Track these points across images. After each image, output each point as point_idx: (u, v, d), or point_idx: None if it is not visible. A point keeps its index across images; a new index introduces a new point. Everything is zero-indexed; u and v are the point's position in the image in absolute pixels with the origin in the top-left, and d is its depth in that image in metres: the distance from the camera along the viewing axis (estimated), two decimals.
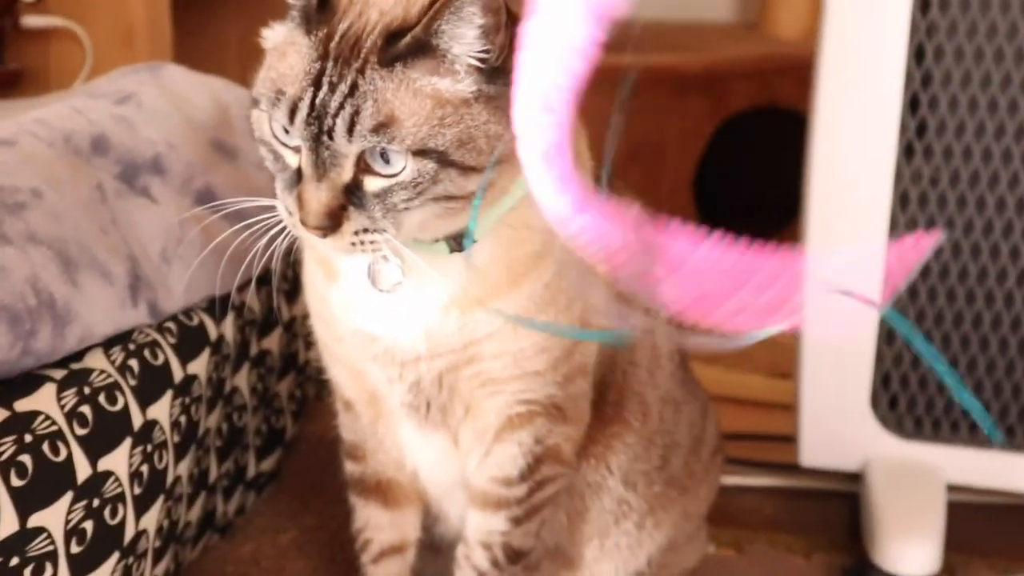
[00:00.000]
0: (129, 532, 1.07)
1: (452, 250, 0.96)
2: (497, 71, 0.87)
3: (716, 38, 2.46)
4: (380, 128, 0.84)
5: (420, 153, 0.85)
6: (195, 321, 1.21)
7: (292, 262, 1.16)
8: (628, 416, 1.14)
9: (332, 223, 0.86)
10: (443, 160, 0.86)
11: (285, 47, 0.88)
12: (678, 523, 1.22)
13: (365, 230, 0.87)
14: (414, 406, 1.05)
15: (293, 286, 1.43)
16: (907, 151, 1.43)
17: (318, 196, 0.86)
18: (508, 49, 0.88)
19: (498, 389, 1.04)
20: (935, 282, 1.46)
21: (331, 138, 0.84)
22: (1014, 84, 1.38)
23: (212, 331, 1.23)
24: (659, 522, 1.19)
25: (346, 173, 0.86)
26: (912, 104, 1.41)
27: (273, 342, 1.40)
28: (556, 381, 1.04)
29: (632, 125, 2.29)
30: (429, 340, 1.00)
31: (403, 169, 0.86)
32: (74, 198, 1.11)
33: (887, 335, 1.49)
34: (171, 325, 1.18)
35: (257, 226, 0.94)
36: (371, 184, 0.86)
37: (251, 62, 0.92)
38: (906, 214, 1.45)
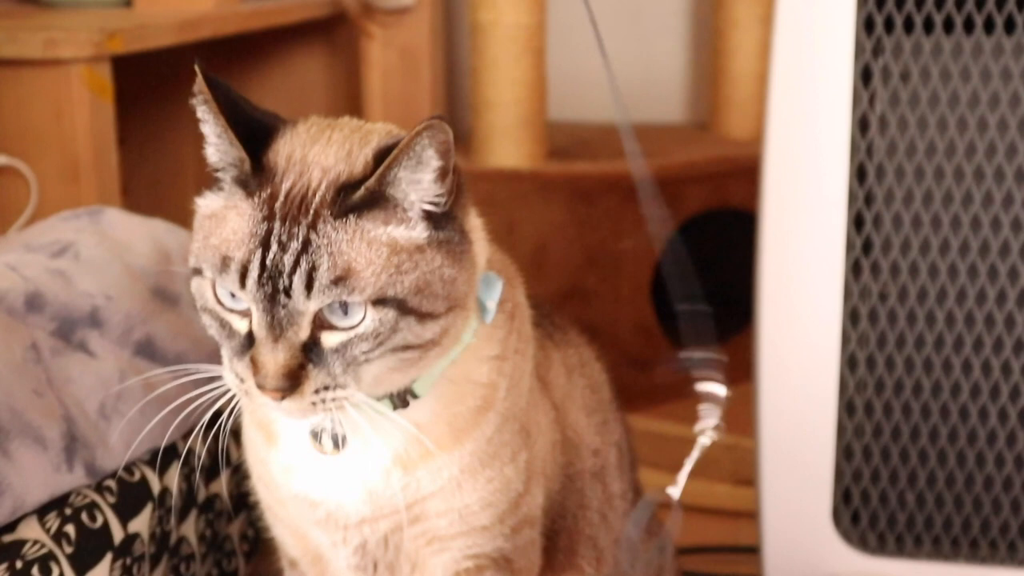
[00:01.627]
0: None
1: (395, 407, 0.94)
2: (445, 216, 0.87)
3: (668, 141, 2.48)
4: (339, 281, 0.83)
5: (379, 302, 0.84)
6: (136, 476, 1.19)
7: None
8: (581, 562, 1.12)
9: (291, 384, 0.84)
10: (402, 308, 0.85)
11: (224, 212, 0.87)
12: None
13: (326, 387, 0.85)
14: (360, 567, 1.03)
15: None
16: (855, 268, 1.44)
17: (275, 357, 0.84)
18: (455, 193, 0.88)
19: (444, 546, 1.02)
20: (890, 397, 1.46)
21: (288, 296, 0.82)
22: (955, 200, 1.39)
23: (155, 485, 1.21)
24: None
25: (303, 331, 0.84)
26: (857, 222, 1.42)
27: (221, 485, 1.37)
28: (503, 534, 1.02)
29: (588, 231, 2.31)
30: (373, 502, 0.98)
31: (362, 320, 0.84)
32: (6, 361, 1.09)
33: (845, 451, 1.48)
34: (111, 483, 1.16)
35: (204, 397, 0.92)
36: (329, 339, 0.85)
37: (210, 180, 0.91)
38: (857, 330, 1.45)
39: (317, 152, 0.87)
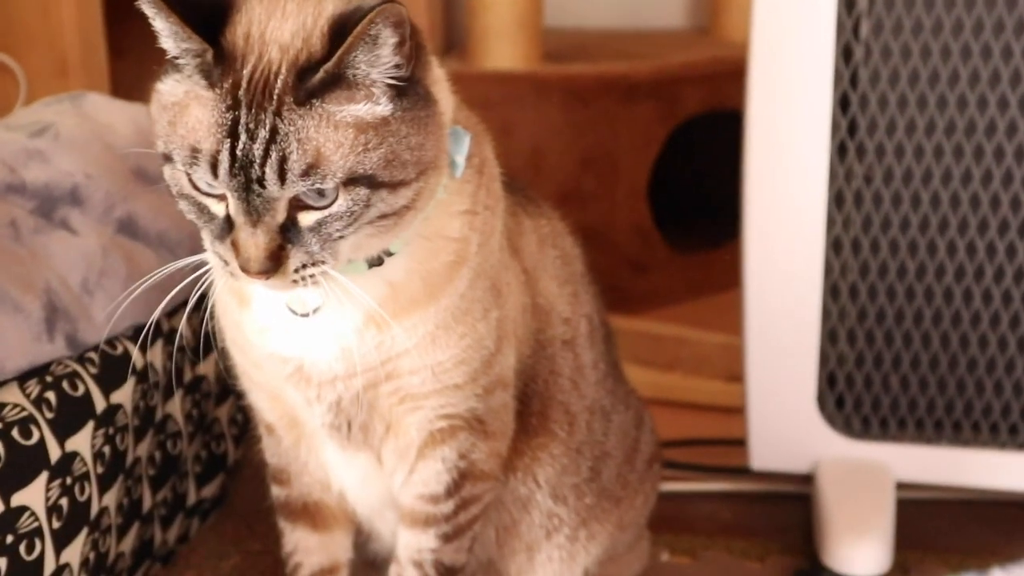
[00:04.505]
0: (49, 567, 1.06)
1: (371, 266, 0.95)
2: (407, 82, 0.87)
3: (667, 45, 2.46)
4: (310, 168, 0.83)
5: (350, 182, 0.84)
6: (119, 350, 1.20)
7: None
8: (553, 427, 1.13)
9: (274, 265, 0.85)
10: (373, 183, 0.85)
11: (187, 101, 0.86)
12: (614, 534, 1.21)
13: (304, 265, 0.87)
14: (335, 426, 1.04)
15: None
16: (840, 150, 1.43)
17: (256, 241, 0.85)
18: (415, 57, 0.87)
19: (417, 404, 1.03)
20: (875, 280, 1.46)
21: (262, 186, 0.83)
22: (942, 80, 1.37)
23: (138, 360, 1.22)
24: (593, 534, 1.18)
25: (280, 215, 0.85)
26: (843, 103, 1.41)
27: (209, 367, 1.39)
28: (476, 394, 1.04)
29: (584, 133, 2.29)
30: (346, 360, 0.99)
31: (336, 199, 0.85)
32: None
33: (830, 335, 1.49)
34: (93, 355, 1.17)
35: (192, 277, 0.93)
36: (306, 219, 0.86)
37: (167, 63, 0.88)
38: (842, 213, 1.44)
39: (274, 27, 0.86)
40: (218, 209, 0.87)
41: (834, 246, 1.46)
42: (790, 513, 1.60)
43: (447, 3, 2.58)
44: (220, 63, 0.85)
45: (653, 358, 2.07)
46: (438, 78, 0.94)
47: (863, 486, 1.48)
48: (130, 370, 1.21)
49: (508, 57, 2.22)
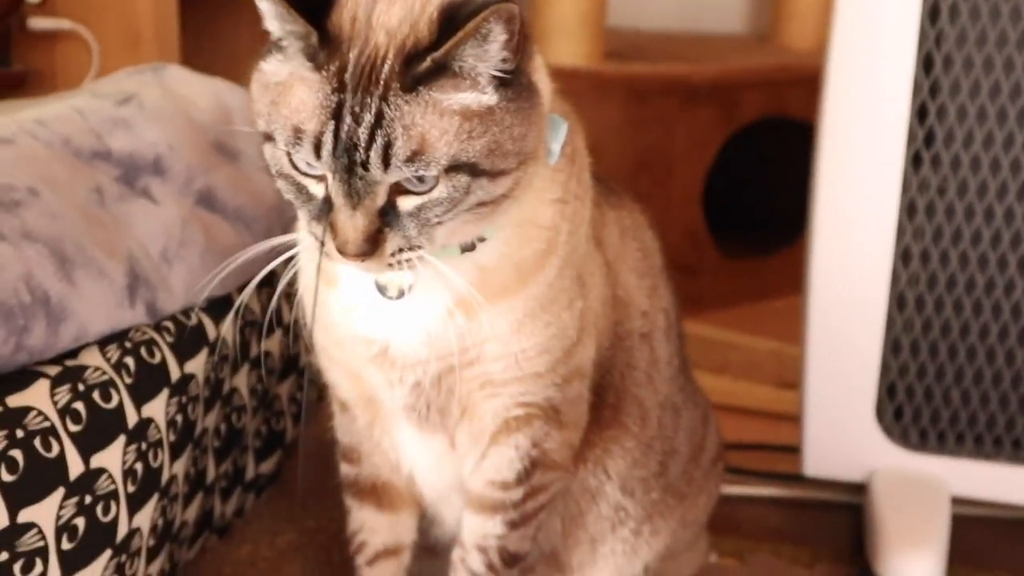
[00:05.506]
0: (122, 530, 1.06)
1: (464, 251, 0.95)
2: (513, 73, 0.87)
3: (727, 49, 2.46)
4: (415, 155, 0.83)
5: (452, 169, 0.85)
6: (194, 321, 1.21)
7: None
8: (626, 420, 1.13)
9: (371, 248, 0.86)
10: (474, 171, 0.85)
11: (291, 81, 0.86)
12: (676, 531, 1.21)
13: (400, 249, 0.87)
14: (414, 408, 1.05)
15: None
16: (915, 161, 1.42)
17: (354, 224, 0.85)
18: (521, 50, 0.87)
19: (496, 391, 1.03)
20: (942, 293, 1.45)
21: (366, 169, 0.83)
22: (1023, 93, 1.37)
23: (211, 331, 1.23)
24: (656, 529, 1.18)
25: (380, 199, 0.85)
26: (920, 114, 1.40)
27: (274, 344, 1.40)
28: (555, 383, 1.04)
29: (642, 134, 2.30)
30: (432, 344, 0.99)
31: (436, 185, 0.85)
32: (71, 199, 1.11)
33: (893, 345, 1.48)
34: (169, 324, 1.18)
35: (283, 259, 0.94)
36: (405, 204, 0.86)
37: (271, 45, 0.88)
38: (913, 223, 1.44)
39: (381, 12, 0.86)
40: (317, 190, 0.87)
41: (903, 256, 1.45)
42: (839, 521, 1.59)
43: None
44: (325, 46, 0.85)
45: (702, 361, 2.06)
46: (539, 66, 0.94)
47: (918, 498, 1.48)
48: (204, 341, 1.21)
49: (570, 54, 2.22)
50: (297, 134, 0.84)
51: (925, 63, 1.39)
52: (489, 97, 0.86)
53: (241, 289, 1.30)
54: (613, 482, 1.13)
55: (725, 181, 2.35)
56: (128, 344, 1.11)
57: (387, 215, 0.86)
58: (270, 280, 1.37)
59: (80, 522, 1.01)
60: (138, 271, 1.15)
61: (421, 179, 0.84)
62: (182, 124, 1.29)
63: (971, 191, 1.41)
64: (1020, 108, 1.37)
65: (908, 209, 1.44)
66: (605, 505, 1.14)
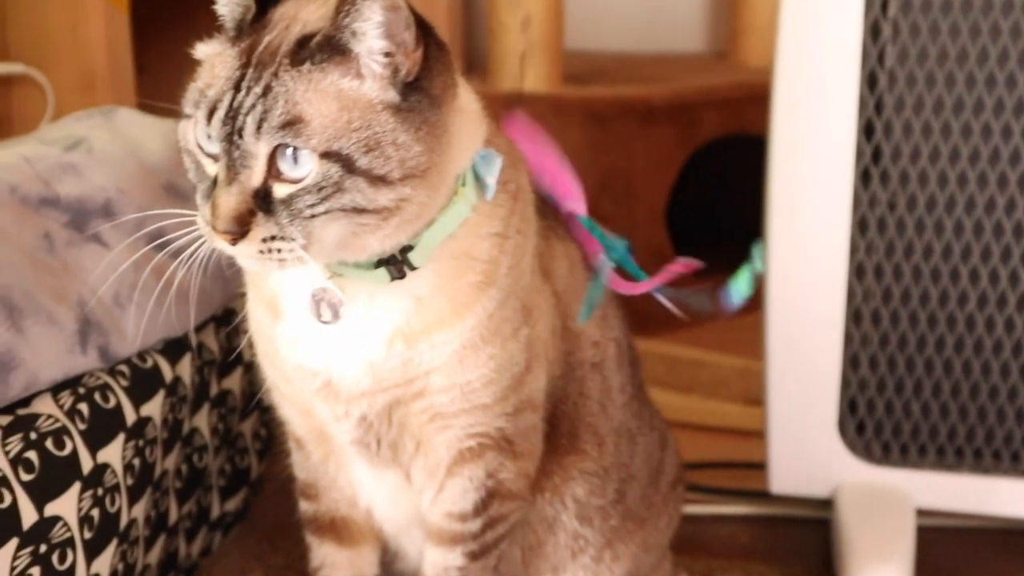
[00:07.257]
0: None
1: (393, 278, 0.96)
2: (411, 87, 0.89)
3: (685, 68, 2.48)
4: (287, 125, 0.86)
5: (326, 156, 0.87)
6: (149, 363, 1.21)
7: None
8: (583, 448, 1.14)
9: (240, 228, 0.88)
10: (348, 165, 0.87)
11: (214, 59, 0.92)
12: (638, 555, 1.22)
13: (272, 237, 0.88)
14: (364, 443, 1.05)
15: None
16: (864, 177, 1.44)
17: (227, 200, 0.88)
18: (425, 67, 0.90)
19: (447, 423, 1.04)
20: (897, 306, 1.46)
21: (241, 136, 0.87)
22: (967, 108, 1.38)
23: (167, 373, 1.23)
24: (618, 555, 1.19)
25: (256, 176, 0.88)
26: (867, 130, 1.42)
27: (234, 382, 1.40)
28: (505, 413, 1.04)
29: (603, 156, 2.31)
30: (373, 374, 1.00)
31: (309, 172, 0.87)
32: (19, 247, 1.11)
33: (852, 360, 1.49)
34: (124, 368, 1.18)
35: (182, 241, 0.96)
36: (279, 190, 0.88)
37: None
38: (865, 239, 1.45)
39: (310, 11, 0.92)
40: (211, 169, 0.91)
41: (857, 272, 1.46)
42: (809, 537, 1.60)
43: (468, 25, 2.60)
44: (254, 25, 0.91)
45: (670, 380, 2.07)
46: (464, 106, 0.96)
47: (883, 512, 1.48)
48: (160, 383, 1.21)
49: (529, 79, 2.24)
50: (199, 99, 0.90)
51: (869, 80, 1.40)
52: (369, 90, 0.89)
53: (199, 330, 1.30)
54: (570, 510, 1.14)
55: (688, 199, 2.36)
56: (82, 390, 1.11)
57: (263, 200, 0.88)
58: (227, 318, 1.38)
59: (36, 572, 1.01)
60: (90, 316, 1.15)
61: (296, 162, 0.87)
62: (133, 167, 1.29)
63: (920, 205, 1.43)
64: (964, 122, 1.39)
65: (860, 225, 1.45)
66: (564, 534, 1.15)
